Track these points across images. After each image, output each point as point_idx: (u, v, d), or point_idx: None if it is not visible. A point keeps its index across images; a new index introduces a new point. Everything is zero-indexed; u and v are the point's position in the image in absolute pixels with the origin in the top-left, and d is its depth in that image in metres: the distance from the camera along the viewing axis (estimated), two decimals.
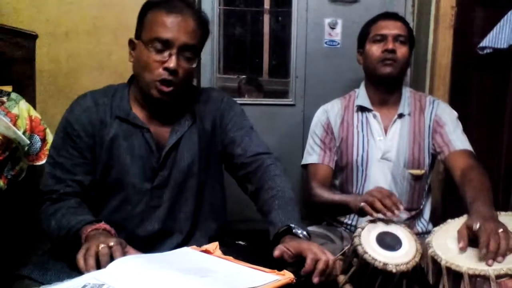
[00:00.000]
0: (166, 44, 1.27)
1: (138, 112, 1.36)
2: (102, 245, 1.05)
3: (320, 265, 1.03)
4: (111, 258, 1.03)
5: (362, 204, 1.36)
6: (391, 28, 1.72)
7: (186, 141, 1.37)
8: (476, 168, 1.58)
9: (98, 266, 1.02)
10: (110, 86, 1.43)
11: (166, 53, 1.27)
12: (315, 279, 1.02)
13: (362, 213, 1.38)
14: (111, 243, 1.06)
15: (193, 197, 1.38)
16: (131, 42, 1.36)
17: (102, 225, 1.17)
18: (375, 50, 1.72)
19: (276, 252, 1.05)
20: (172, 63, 1.26)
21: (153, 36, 1.28)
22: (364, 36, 1.79)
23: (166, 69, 1.27)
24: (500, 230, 1.23)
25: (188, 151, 1.37)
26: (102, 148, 1.33)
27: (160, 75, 1.27)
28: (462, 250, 1.25)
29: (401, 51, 1.70)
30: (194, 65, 1.33)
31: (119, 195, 1.34)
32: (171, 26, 1.27)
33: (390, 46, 1.69)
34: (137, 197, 1.34)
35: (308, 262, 1.02)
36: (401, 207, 1.32)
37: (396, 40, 1.70)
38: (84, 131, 1.32)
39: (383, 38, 1.71)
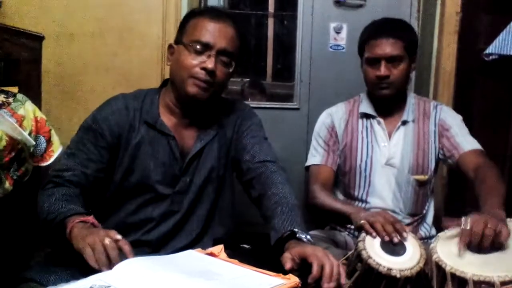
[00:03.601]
0: (206, 47, 1.32)
1: (166, 119, 1.39)
2: (107, 240, 1.04)
3: (327, 269, 1.02)
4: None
5: (363, 221, 1.36)
6: (383, 48, 1.64)
7: (209, 149, 1.41)
8: (487, 167, 1.58)
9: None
10: (141, 90, 1.46)
11: (204, 55, 1.32)
12: (328, 285, 1.01)
13: (360, 229, 1.37)
14: (117, 237, 1.06)
15: (208, 202, 1.41)
16: (170, 47, 1.42)
17: (91, 218, 1.16)
18: (369, 73, 1.69)
19: (288, 265, 1.05)
20: (210, 64, 1.31)
21: (195, 39, 1.33)
22: (361, 50, 1.75)
23: (204, 69, 1.31)
24: (490, 221, 1.23)
25: (209, 158, 1.41)
26: (127, 151, 1.36)
27: (197, 73, 1.32)
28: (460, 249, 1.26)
29: (395, 72, 1.66)
30: (231, 70, 1.38)
31: (139, 198, 1.36)
32: (213, 31, 1.33)
33: (382, 72, 1.64)
34: (158, 201, 1.36)
35: (315, 268, 1.02)
36: (405, 235, 1.32)
37: (390, 61, 1.65)
38: (109, 130, 1.35)
39: (376, 61, 1.66)
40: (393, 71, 1.66)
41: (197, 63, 1.32)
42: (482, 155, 1.66)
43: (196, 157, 1.39)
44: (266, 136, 1.49)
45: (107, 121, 1.35)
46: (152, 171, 1.35)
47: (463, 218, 1.29)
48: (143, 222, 1.35)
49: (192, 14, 1.40)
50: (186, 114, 1.40)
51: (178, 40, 1.39)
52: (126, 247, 1.06)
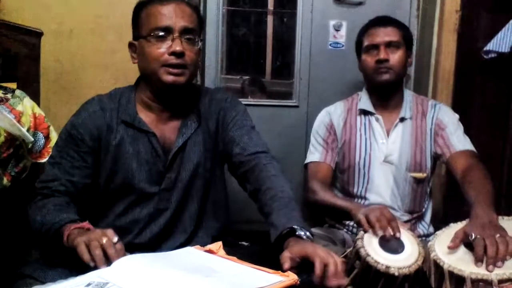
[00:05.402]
0: (167, 31, 1.29)
1: (144, 116, 1.36)
2: (104, 239, 1.04)
3: (331, 268, 1.01)
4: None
5: (360, 216, 1.37)
6: (381, 36, 1.72)
7: (192, 143, 1.38)
8: (476, 167, 1.59)
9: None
10: (117, 89, 1.43)
11: (168, 40, 1.29)
12: (334, 282, 1.00)
13: (360, 224, 1.38)
14: (115, 239, 1.06)
15: (198, 198, 1.39)
16: (131, 45, 1.38)
17: (86, 224, 1.16)
18: (369, 60, 1.73)
19: (286, 265, 1.03)
20: (178, 46, 1.28)
21: (153, 27, 1.30)
22: (359, 45, 1.80)
23: (172, 53, 1.28)
24: (497, 235, 1.24)
25: (194, 152, 1.38)
26: (108, 153, 1.34)
27: (167, 60, 1.29)
28: (450, 249, 1.27)
29: (395, 57, 1.70)
30: (197, 47, 1.34)
31: (125, 199, 1.35)
32: (167, 13, 1.30)
33: (382, 56, 1.69)
34: (145, 201, 1.35)
35: (318, 267, 1.00)
36: (398, 235, 1.32)
37: (388, 47, 1.71)
38: (89, 135, 1.33)
39: (375, 47, 1.72)
40: (391, 56, 1.70)
41: (165, 50, 1.28)
42: (473, 156, 1.67)
43: (179, 152, 1.36)
44: (253, 125, 1.45)
45: (84, 125, 1.33)
46: (135, 171, 1.33)
47: (471, 233, 1.28)
48: (133, 223, 1.34)
49: (141, 6, 1.36)
50: (165, 107, 1.37)
51: (136, 36, 1.36)
52: (120, 249, 1.05)
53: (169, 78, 1.29)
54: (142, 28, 1.33)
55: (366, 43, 1.75)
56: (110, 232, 1.08)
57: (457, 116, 1.79)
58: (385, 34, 1.72)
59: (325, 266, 1.01)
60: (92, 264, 1.00)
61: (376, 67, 1.71)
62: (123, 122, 1.35)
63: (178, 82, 1.30)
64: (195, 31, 1.34)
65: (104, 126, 1.34)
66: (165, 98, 1.36)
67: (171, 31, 1.29)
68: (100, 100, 1.38)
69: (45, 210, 1.23)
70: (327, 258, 1.02)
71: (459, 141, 1.70)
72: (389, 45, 1.71)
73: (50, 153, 1.74)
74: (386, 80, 1.71)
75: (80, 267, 1.03)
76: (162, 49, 1.29)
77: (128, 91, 1.41)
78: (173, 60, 1.28)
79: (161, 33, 1.29)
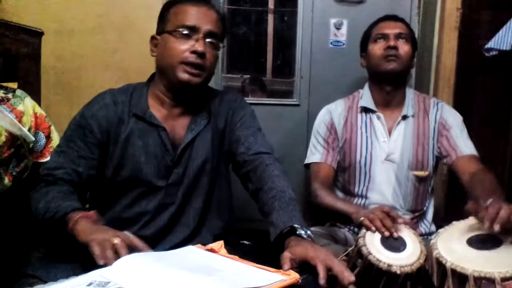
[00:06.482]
0: (192, 30, 1.33)
1: (155, 111, 1.38)
2: (117, 239, 1.03)
3: (337, 268, 0.98)
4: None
5: (362, 218, 1.37)
6: (392, 27, 1.75)
7: (201, 139, 1.40)
8: (485, 171, 1.61)
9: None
10: (129, 84, 1.45)
11: (192, 39, 1.32)
12: (347, 277, 0.97)
13: (361, 226, 1.38)
14: (130, 236, 1.07)
15: (203, 195, 1.40)
16: (153, 38, 1.41)
17: (92, 214, 1.16)
18: (377, 48, 1.74)
19: (286, 266, 1.01)
20: (200, 47, 1.31)
21: (180, 24, 1.33)
22: (366, 38, 1.81)
23: (194, 52, 1.31)
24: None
25: (202, 149, 1.39)
26: (116, 145, 1.35)
27: (187, 58, 1.31)
28: (468, 210, 1.31)
29: (404, 48, 1.72)
30: (218, 51, 1.38)
31: (132, 192, 1.36)
32: (196, 14, 1.34)
33: (392, 43, 1.71)
34: (152, 194, 1.36)
35: (321, 270, 0.98)
36: (400, 220, 1.33)
37: (397, 38, 1.72)
38: (98, 126, 1.34)
39: (385, 37, 1.74)
40: (401, 46, 1.72)
41: (187, 47, 1.31)
42: (479, 161, 1.68)
43: (188, 147, 1.38)
44: (260, 127, 1.48)
45: (95, 117, 1.35)
46: (143, 164, 1.34)
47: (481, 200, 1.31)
48: (138, 216, 1.35)
49: (171, 3, 1.39)
50: (177, 103, 1.39)
51: (161, 31, 1.39)
52: (138, 243, 1.06)
53: (185, 76, 1.32)
54: (168, 23, 1.36)
55: (375, 33, 1.77)
56: (121, 232, 1.08)
57: (460, 117, 1.79)
58: (396, 26, 1.75)
59: (329, 269, 0.99)
60: (102, 262, 1.00)
61: (384, 54, 1.72)
62: (134, 115, 1.37)
63: (193, 82, 1.33)
64: (218, 36, 1.37)
65: (115, 119, 1.36)
66: (177, 94, 1.38)
67: (197, 31, 1.33)
68: (112, 94, 1.40)
69: (49, 197, 1.23)
70: (329, 261, 1.00)
71: (465, 144, 1.71)
72: (398, 37, 1.73)
73: (54, 148, 1.76)
74: (393, 69, 1.71)
75: (83, 263, 1.03)
76: (184, 46, 1.32)
77: (141, 86, 1.43)
78: (193, 59, 1.31)
79: (187, 31, 1.32)
